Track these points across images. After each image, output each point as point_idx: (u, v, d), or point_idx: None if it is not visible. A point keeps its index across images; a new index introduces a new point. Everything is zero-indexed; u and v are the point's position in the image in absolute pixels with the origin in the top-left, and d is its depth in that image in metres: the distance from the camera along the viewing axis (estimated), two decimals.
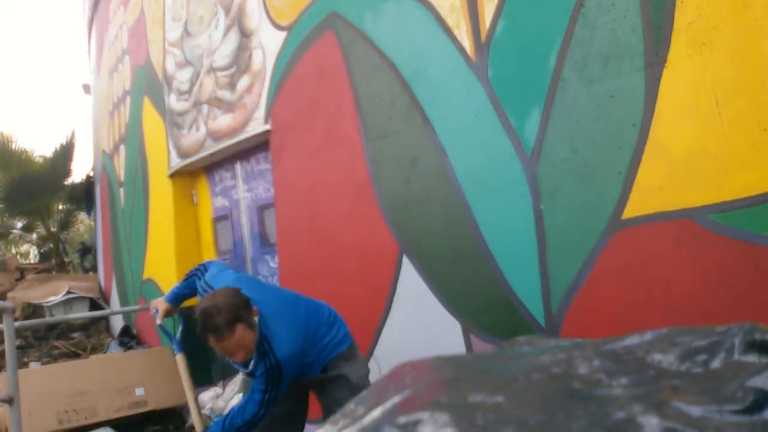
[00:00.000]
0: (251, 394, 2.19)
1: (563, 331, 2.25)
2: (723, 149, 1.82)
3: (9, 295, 8.18)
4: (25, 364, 6.06)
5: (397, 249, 2.94)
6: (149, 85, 5.91)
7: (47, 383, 4.42)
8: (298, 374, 2.28)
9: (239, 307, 2.05)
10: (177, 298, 2.63)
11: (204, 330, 2.02)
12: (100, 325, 7.99)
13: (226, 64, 4.47)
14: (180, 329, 2.71)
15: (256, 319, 2.12)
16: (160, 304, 2.61)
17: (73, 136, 11.11)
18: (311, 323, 2.34)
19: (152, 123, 5.84)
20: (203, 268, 2.56)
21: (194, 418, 2.40)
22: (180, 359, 2.56)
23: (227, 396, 4.45)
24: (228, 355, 2.08)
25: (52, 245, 11.50)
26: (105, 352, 6.27)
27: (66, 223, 11.82)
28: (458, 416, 0.63)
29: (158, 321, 2.58)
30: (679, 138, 1.92)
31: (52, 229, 11.30)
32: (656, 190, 1.98)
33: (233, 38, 4.39)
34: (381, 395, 0.75)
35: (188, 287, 2.59)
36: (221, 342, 2.02)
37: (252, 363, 2.15)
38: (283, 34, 3.79)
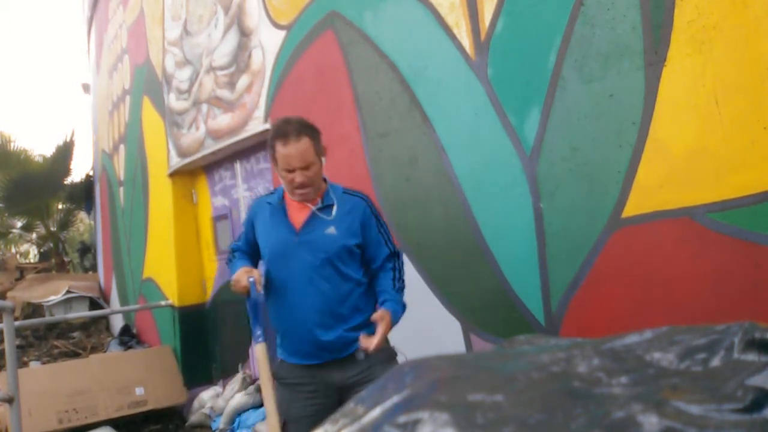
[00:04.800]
0: (380, 257, 2.09)
1: (563, 330, 2.25)
2: (723, 148, 1.82)
3: (9, 294, 8.18)
4: (25, 364, 6.07)
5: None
6: (149, 84, 5.91)
7: (47, 382, 4.43)
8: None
9: (312, 128, 2.05)
10: (249, 261, 2.21)
11: (274, 133, 2.01)
12: (100, 324, 7.99)
13: (225, 63, 4.47)
14: (260, 312, 2.15)
15: (323, 159, 2.10)
16: (248, 272, 2.05)
17: (72, 136, 11.18)
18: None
19: (152, 122, 5.84)
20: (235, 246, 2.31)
21: (269, 414, 1.96)
22: (260, 349, 2.03)
23: (227, 395, 4.46)
24: (290, 176, 1.99)
25: (51, 244, 11.51)
26: (105, 352, 6.27)
27: (66, 223, 11.83)
28: (458, 415, 0.63)
29: (259, 288, 2.04)
30: (678, 136, 1.92)
31: (52, 229, 11.30)
32: (656, 188, 1.98)
33: (233, 37, 4.39)
34: (380, 394, 0.75)
35: (245, 253, 2.25)
36: (287, 146, 1.97)
37: (336, 206, 2.07)
38: (282, 33, 3.79)
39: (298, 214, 2.09)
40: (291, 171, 2.00)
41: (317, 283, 2.03)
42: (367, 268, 2.12)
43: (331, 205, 2.08)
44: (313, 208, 2.07)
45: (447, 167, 2.68)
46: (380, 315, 1.95)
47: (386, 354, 2.08)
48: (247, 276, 2.03)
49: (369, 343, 1.90)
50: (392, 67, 2.96)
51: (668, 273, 1.96)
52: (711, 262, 1.86)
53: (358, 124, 3.17)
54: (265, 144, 4.02)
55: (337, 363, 2.04)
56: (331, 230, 2.05)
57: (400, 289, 2.09)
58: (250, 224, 2.23)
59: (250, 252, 2.26)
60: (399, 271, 2.12)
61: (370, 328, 1.99)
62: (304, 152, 1.99)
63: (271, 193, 2.26)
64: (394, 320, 1.99)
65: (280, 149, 1.99)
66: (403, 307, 2.06)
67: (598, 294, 2.15)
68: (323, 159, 2.10)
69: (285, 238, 2.08)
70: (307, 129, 2.02)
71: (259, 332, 2.06)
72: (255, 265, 2.22)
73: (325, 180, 2.15)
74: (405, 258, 2.88)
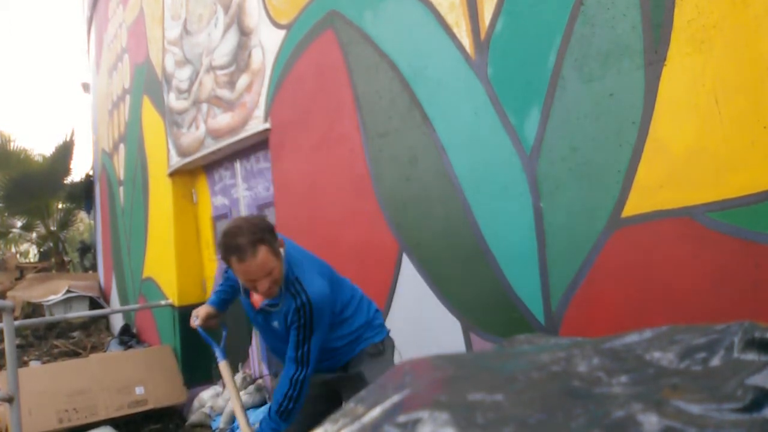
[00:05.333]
0: (287, 356, 2.08)
1: (563, 330, 2.25)
2: (723, 147, 1.82)
3: (9, 294, 8.18)
4: (25, 363, 6.07)
5: (397, 248, 2.94)
6: (149, 83, 5.91)
7: (47, 382, 4.43)
8: (326, 349, 2.15)
9: (263, 230, 1.95)
10: (219, 300, 2.44)
11: (226, 251, 1.93)
12: (100, 323, 8.00)
13: (225, 62, 4.47)
14: (224, 335, 2.51)
15: (282, 250, 2.03)
16: (201, 309, 2.40)
17: (72, 135, 11.15)
18: (343, 292, 2.23)
19: (152, 122, 5.84)
20: None
21: (242, 427, 2.21)
22: (224, 367, 2.34)
23: (227, 394, 4.46)
24: (253, 284, 1.95)
25: (51, 244, 11.51)
26: (105, 351, 6.27)
27: (66, 222, 11.83)
28: (458, 415, 0.63)
29: (195, 323, 2.36)
30: (678, 136, 1.92)
31: (52, 228, 11.30)
32: (656, 188, 1.98)
33: (233, 37, 4.38)
34: (381, 394, 0.75)
35: (228, 286, 2.42)
36: (243, 263, 1.89)
37: (281, 304, 2.05)
38: (282, 33, 3.79)
39: (256, 298, 2.17)
40: (253, 281, 1.96)
41: (284, 347, 2.14)
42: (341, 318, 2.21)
43: (278, 304, 2.07)
44: (261, 304, 2.12)
45: (447, 167, 2.68)
46: None
47: (375, 349, 2.23)
48: (195, 315, 2.39)
49: None
50: (392, 67, 2.96)
51: (668, 272, 1.96)
52: (711, 261, 1.86)
53: (357, 123, 3.17)
54: (266, 143, 4.05)
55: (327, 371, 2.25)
56: (276, 324, 2.13)
57: (285, 413, 2.04)
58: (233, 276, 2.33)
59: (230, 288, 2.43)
60: (295, 386, 2.04)
61: (357, 342, 2.22)
62: (262, 264, 1.92)
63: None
64: None
65: (237, 266, 1.93)
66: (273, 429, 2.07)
67: (598, 293, 2.15)
68: (282, 251, 2.04)
69: (250, 310, 2.22)
70: (259, 235, 1.93)
71: (218, 354, 2.41)
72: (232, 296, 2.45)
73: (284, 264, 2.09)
74: (405, 259, 2.90)
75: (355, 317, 2.24)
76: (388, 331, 2.35)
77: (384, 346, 2.27)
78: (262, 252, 1.91)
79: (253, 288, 1.98)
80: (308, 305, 2.00)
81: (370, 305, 2.35)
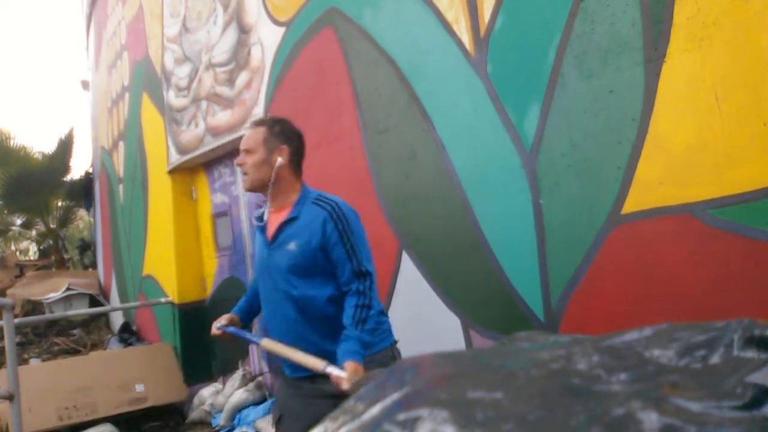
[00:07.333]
0: (342, 280, 1.88)
1: (562, 326, 2.25)
2: (722, 144, 1.82)
3: (8, 291, 8.18)
4: (25, 361, 6.08)
5: (397, 244, 2.94)
6: (148, 81, 5.90)
7: (47, 380, 4.43)
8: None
9: (277, 122, 1.99)
10: (244, 306, 2.19)
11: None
12: (100, 321, 8.00)
13: (224, 60, 4.46)
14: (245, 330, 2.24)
15: (284, 160, 1.95)
16: (222, 317, 2.14)
17: (71, 133, 11.10)
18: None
19: (151, 119, 5.83)
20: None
21: (307, 362, 1.82)
22: (267, 342, 1.95)
23: (227, 391, 4.46)
24: (241, 153, 1.97)
25: (51, 242, 11.50)
26: (105, 349, 6.28)
27: (65, 220, 11.82)
28: (458, 412, 0.63)
29: (216, 325, 2.11)
30: (678, 133, 1.92)
31: (52, 226, 11.30)
32: (656, 184, 1.98)
33: (232, 34, 4.38)
34: (380, 391, 0.75)
35: (251, 295, 2.20)
36: (251, 128, 2.01)
37: (300, 216, 1.91)
38: (281, 30, 3.78)
39: (272, 227, 1.99)
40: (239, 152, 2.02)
41: (283, 308, 1.92)
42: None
43: (297, 218, 1.93)
44: (284, 218, 1.95)
45: (446, 163, 2.67)
46: (347, 367, 1.73)
47: (386, 357, 1.95)
48: (214, 326, 2.12)
49: (339, 382, 1.69)
50: (392, 64, 2.95)
51: (668, 269, 1.96)
52: (711, 258, 1.86)
53: (357, 120, 3.17)
54: None
55: (322, 376, 1.78)
56: (292, 246, 1.90)
57: (360, 321, 1.84)
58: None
59: None
60: (363, 296, 1.87)
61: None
62: (249, 137, 1.98)
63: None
64: (359, 360, 1.76)
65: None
66: (364, 342, 1.82)
67: (597, 290, 2.15)
68: (279, 158, 1.95)
69: (262, 253, 2.01)
70: (269, 122, 1.99)
71: (254, 339, 2.02)
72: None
73: (303, 188, 2.01)
74: (405, 256, 2.90)
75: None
76: (393, 341, 2.06)
77: (391, 356, 1.98)
78: (260, 130, 1.98)
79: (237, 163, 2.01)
80: (339, 209, 1.90)
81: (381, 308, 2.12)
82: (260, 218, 2.05)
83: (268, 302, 2.01)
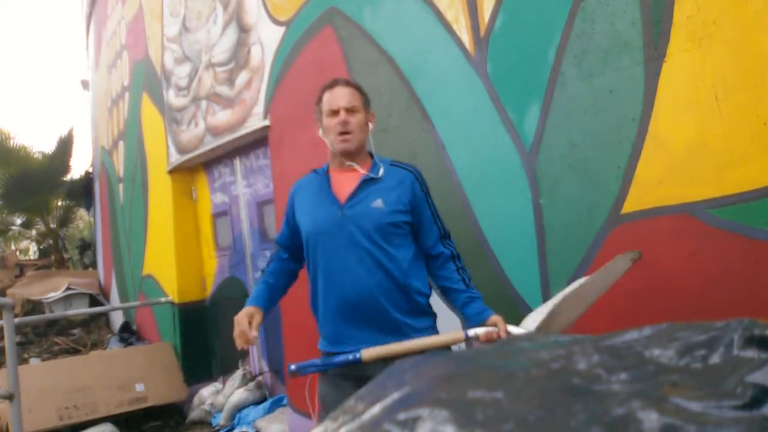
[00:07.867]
0: (430, 243, 1.93)
1: None
2: (722, 143, 1.82)
3: (8, 291, 8.18)
4: (25, 361, 6.08)
5: None
6: (148, 80, 5.90)
7: (47, 379, 4.44)
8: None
9: (362, 89, 2.00)
10: (263, 292, 2.00)
11: (320, 91, 1.97)
12: (100, 321, 8.00)
13: (224, 59, 4.46)
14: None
15: (370, 123, 1.99)
16: (242, 319, 1.84)
17: (71, 133, 11.10)
18: None
19: (151, 119, 5.83)
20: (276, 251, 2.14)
21: (441, 340, 1.81)
22: (371, 351, 1.74)
23: (227, 391, 4.46)
24: (333, 117, 1.90)
25: (51, 241, 11.50)
26: (105, 348, 6.28)
27: (65, 220, 11.82)
28: (458, 412, 0.63)
29: (253, 333, 1.82)
30: (678, 132, 1.92)
31: (52, 226, 11.30)
32: (655, 184, 1.98)
33: (232, 34, 4.38)
34: (380, 391, 0.75)
35: (278, 262, 2.09)
36: (332, 90, 1.93)
37: (382, 177, 1.91)
38: (281, 30, 3.78)
39: (343, 187, 1.92)
40: (335, 113, 1.90)
41: (357, 269, 1.84)
42: (419, 248, 1.95)
43: (379, 177, 1.90)
44: (363, 176, 1.90)
45: (446, 163, 2.67)
46: (494, 322, 1.81)
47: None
48: (249, 334, 1.81)
49: (491, 338, 1.77)
50: (392, 63, 2.95)
51: (668, 269, 1.96)
52: (711, 258, 1.86)
53: None
54: (265, 140, 4.04)
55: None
56: (378, 203, 1.86)
57: (471, 282, 1.95)
58: (291, 206, 2.08)
59: (291, 244, 2.07)
60: (459, 258, 1.96)
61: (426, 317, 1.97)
62: (350, 94, 1.92)
63: (314, 170, 2.09)
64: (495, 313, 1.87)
65: (327, 95, 1.94)
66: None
67: None
68: (370, 123, 1.98)
69: (329, 214, 1.89)
70: (356, 85, 1.99)
71: (350, 358, 1.74)
72: (298, 259, 2.08)
73: (371, 154, 2.01)
74: None
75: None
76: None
77: None
78: (355, 93, 1.94)
79: (333, 125, 1.90)
80: (421, 173, 1.98)
81: None
82: (322, 173, 2.02)
83: (335, 262, 1.88)
